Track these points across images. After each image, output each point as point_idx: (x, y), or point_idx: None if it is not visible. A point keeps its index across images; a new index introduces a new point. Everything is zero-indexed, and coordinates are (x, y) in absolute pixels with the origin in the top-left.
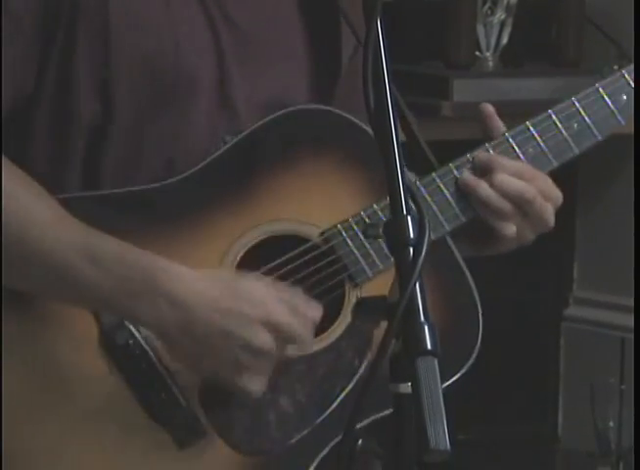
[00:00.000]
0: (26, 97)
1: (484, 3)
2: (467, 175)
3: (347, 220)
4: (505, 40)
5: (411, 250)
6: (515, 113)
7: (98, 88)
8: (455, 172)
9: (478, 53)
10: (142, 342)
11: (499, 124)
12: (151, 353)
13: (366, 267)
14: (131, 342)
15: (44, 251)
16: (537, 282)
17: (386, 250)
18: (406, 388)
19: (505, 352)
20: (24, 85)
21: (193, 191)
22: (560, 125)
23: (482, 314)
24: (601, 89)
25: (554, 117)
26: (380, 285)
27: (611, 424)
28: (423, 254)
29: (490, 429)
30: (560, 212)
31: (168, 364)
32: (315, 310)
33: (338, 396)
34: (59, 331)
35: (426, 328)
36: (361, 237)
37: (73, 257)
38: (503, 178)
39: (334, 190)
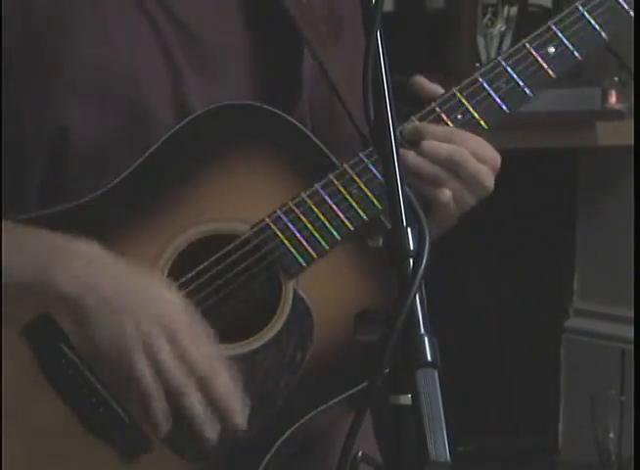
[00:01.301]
0: None
1: (485, 14)
2: None
3: (275, 212)
4: (505, 48)
5: (411, 261)
6: (514, 124)
7: (51, 107)
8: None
9: (478, 64)
10: (75, 360)
11: (435, 89)
12: (85, 371)
13: (299, 257)
14: (64, 361)
15: None
16: (537, 293)
17: (317, 237)
18: (406, 399)
19: (505, 363)
20: None
21: (119, 200)
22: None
23: (483, 326)
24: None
25: (480, 79)
26: (318, 275)
27: (611, 435)
28: (423, 265)
29: (491, 441)
30: (560, 224)
31: (105, 379)
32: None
33: (282, 392)
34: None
35: (426, 340)
36: (291, 227)
37: (5, 247)
38: (431, 144)
39: (262, 184)
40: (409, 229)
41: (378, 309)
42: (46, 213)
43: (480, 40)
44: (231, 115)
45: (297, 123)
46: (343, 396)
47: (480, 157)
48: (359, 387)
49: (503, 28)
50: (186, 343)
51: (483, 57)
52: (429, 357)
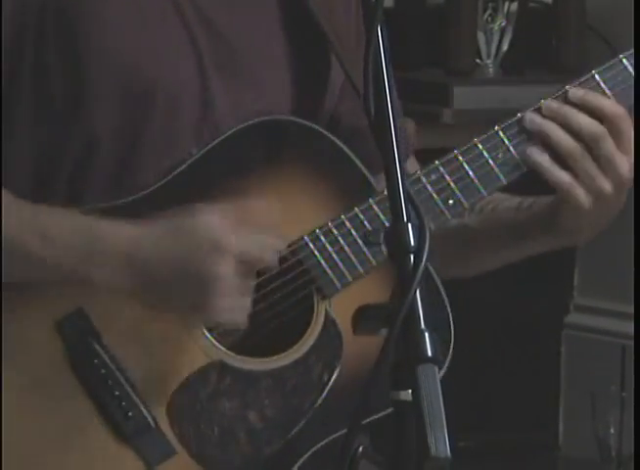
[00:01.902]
0: None
1: (485, 10)
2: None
3: (314, 232)
4: (505, 47)
5: (412, 257)
6: None
7: (78, 109)
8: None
9: (478, 60)
10: (107, 361)
11: None
12: (116, 372)
13: (335, 279)
14: (96, 361)
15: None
16: (538, 289)
17: (354, 261)
18: (407, 395)
19: (506, 359)
20: None
21: (156, 205)
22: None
23: (483, 322)
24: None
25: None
26: (351, 299)
27: (612, 431)
28: (424, 261)
29: (491, 436)
30: None
31: (136, 383)
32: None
33: (307, 410)
34: (30, 352)
35: (426, 335)
36: (329, 248)
37: (27, 236)
38: (574, 112)
39: (301, 201)
40: (410, 225)
41: (378, 305)
42: (102, 207)
43: (481, 36)
44: (271, 129)
45: (339, 143)
46: (376, 416)
47: (620, 142)
48: (382, 414)
49: (503, 24)
50: (241, 248)
51: (484, 53)
52: (429, 353)
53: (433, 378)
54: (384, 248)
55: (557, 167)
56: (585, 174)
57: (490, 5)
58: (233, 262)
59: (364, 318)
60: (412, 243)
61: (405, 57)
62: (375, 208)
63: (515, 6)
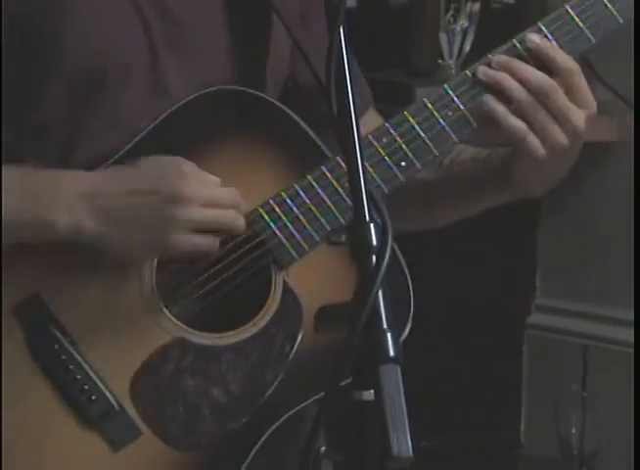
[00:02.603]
0: None
1: (447, 11)
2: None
3: (268, 202)
4: (468, 48)
5: (374, 257)
6: None
7: (36, 83)
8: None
9: (440, 61)
10: (67, 345)
11: None
12: (77, 356)
13: (291, 249)
14: (56, 346)
15: None
16: (500, 290)
17: (309, 230)
18: (369, 395)
19: (468, 358)
20: None
21: None
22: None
23: (447, 323)
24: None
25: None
26: (308, 268)
27: (573, 430)
28: (385, 261)
29: (453, 435)
30: (522, 224)
31: (97, 366)
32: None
33: (271, 382)
34: None
35: (388, 335)
36: (284, 218)
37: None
38: (526, 67)
39: (255, 172)
40: (372, 225)
41: (340, 305)
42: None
43: (443, 36)
44: (225, 100)
45: (287, 110)
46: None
47: (573, 96)
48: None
49: (466, 25)
50: (199, 193)
51: (446, 53)
52: (391, 353)
53: (395, 378)
54: (347, 248)
55: (512, 116)
56: (539, 125)
57: (453, 6)
58: (196, 205)
59: (326, 318)
60: (374, 243)
61: (368, 57)
62: (328, 175)
63: (477, 6)
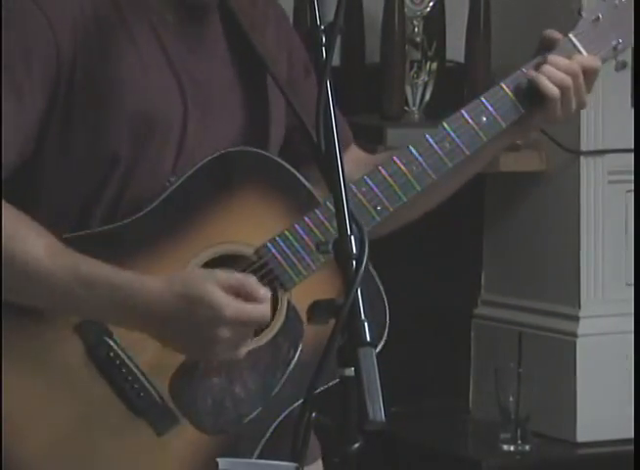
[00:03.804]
0: (26, 162)
1: (411, 68)
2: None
3: (274, 238)
4: (427, 97)
5: (354, 262)
6: None
7: (95, 143)
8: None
9: (406, 107)
10: (120, 353)
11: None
12: (127, 361)
13: (293, 275)
14: (112, 354)
15: (41, 281)
16: (452, 287)
17: (307, 260)
18: (350, 372)
19: (427, 343)
20: (25, 151)
21: (151, 225)
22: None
23: (410, 314)
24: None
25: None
26: (307, 288)
27: (510, 399)
28: (363, 265)
29: (417, 403)
30: (470, 232)
31: (144, 369)
32: (263, 292)
33: (279, 380)
34: (51, 348)
35: (366, 325)
36: (287, 251)
37: (68, 283)
38: (563, 61)
39: (262, 215)
40: (352, 237)
41: (328, 301)
42: (84, 234)
43: (408, 89)
44: (234, 159)
45: (287, 165)
46: (327, 386)
47: (586, 82)
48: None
49: (426, 80)
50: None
51: (410, 102)
52: (368, 338)
53: (370, 358)
54: (332, 255)
55: (552, 85)
56: (568, 97)
57: (415, 64)
58: (230, 326)
59: (316, 311)
60: (354, 251)
61: (348, 104)
62: (320, 217)
63: (435, 65)
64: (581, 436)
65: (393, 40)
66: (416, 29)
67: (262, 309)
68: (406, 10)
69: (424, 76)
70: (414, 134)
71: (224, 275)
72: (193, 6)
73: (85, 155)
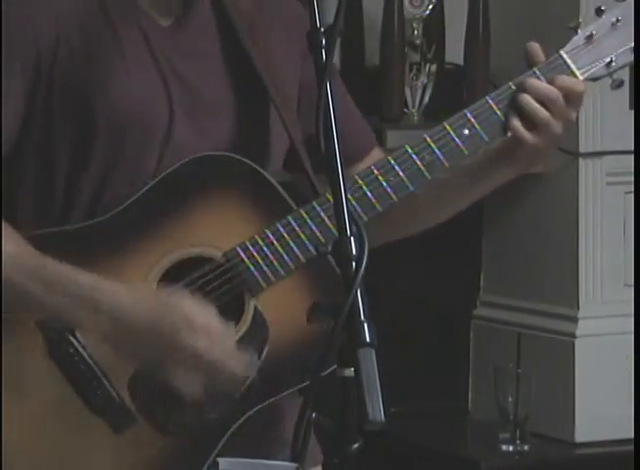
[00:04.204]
0: (10, 149)
1: (411, 70)
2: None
3: (244, 243)
4: (427, 100)
5: (353, 263)
6: None
7: (75, 142)
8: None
9: (405, 110)
10: (80, 350)
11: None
12: (88, 359)
13: (261, 280)
14: (72, 350)
15: (7, 279)
16: (452, 288)
17: (276, 265)
18: (350, 372)
19: (427, 344)
20: (10, 137)
21: (120, 225)
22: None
23: (411, 315)
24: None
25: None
26: (274, 293)
27: (510, 399)
28: (363, 267)
29: (416, 403)
30: (470, 235)
31: (103, 367)
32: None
33: (243, 383)
34: (13, 343)
35: (365, 325)
36: (256, 255)
37: (30, 283)
38: (537, 82)
39: (235, 220)
40: (352, 239)
41: (327, 302)
42: (50, 232)
43: (407, 91)
44: (211, 163)
45: (263, 172)
46: (293, 389)
47: (568, 98)
48: (305, 383)
49: (425, 82)
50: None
51: (410, 104)
52: (368, 339)
53: (370, 359)
54: (331, 257)
55: (542, 110)
56: (547, 128)
57: (415, 66)
58: (201, 333)
59: (316, 311)
60: (354, 253)
61: None
62: (292, 223)
63: (434, 67)
64: (580, 436)
65: (393, 42)
66: (415, 32)
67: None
68: (405, 12)
69: (423, 78)
70: (414, 136)
71: (192, 304)
72: (186, 11)
73: (63, 155)
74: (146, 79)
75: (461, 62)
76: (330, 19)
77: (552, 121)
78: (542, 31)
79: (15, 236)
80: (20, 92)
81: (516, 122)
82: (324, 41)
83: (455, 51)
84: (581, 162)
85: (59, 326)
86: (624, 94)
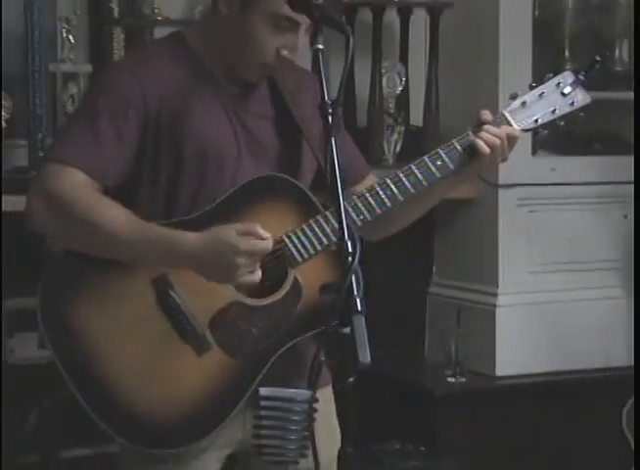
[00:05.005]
0: (127, 179)
1: (387, 130)
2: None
3: (288, 232)
4: (398, 149)
5: (349, 257)
6: None
7: (173, 166)
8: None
9: (384, 156)
10: (179, 301)
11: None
12: (182, 307)
13: (298, 257)
14: (171, 300)
15: (121, 238)
16: (414, 274)
17: (309, 247)
18: (347, 330)
19: (397, 312)
20: (126, 172)
21: (210, 219)
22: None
23: (388, 292)
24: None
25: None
26: (308, 267)
27: (452, 348)
28: (356, 259)
29: (390, 350)
30: (424, 235)
31: (191, 311)
32: (264, 232)
33: (284, 326)
34: (132, 295)
35: (357, 300)
36: (295, 241)
37: (136, 240)
38: (494, 130)
39: (281, 216)
40: (349, 242)
41: (334, 282)
42: (173, 221)
43: (385, 143)
44: (266, 180)
45: (300, 185)
46: (314, 332)
47: (510, 144)
48: (320, 329)
49: (396, 138)
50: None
51: (386, 151)
52: (359, 309)
53: (361, 322)
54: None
55: (487, 146)
56: (495, 154)
57: (390, 127)
58: (245, 255)
59: (325, 288)
60: (350, 249)
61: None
62: (320, 220)
63: (402, 128)
64: (499, 371)
65: (375, 111)
66: (390, 104)
67: (265, 244)
68: (384, 91)
69: (395, 136)
70: (389, 173)
71: (237, 224)
72: (249, 82)
73: (167, 174)
74: (220, 126)
75: (420, 124)
76: (333, 93)
77: (498, 153)
78: (479, 102)
79: (122, 211)
80: (133, 134)
81: (480, 142)
82: (330, 109)
83: (416, 117)
84: (500, 190)
85: (164, 283)
86: (528, 143)
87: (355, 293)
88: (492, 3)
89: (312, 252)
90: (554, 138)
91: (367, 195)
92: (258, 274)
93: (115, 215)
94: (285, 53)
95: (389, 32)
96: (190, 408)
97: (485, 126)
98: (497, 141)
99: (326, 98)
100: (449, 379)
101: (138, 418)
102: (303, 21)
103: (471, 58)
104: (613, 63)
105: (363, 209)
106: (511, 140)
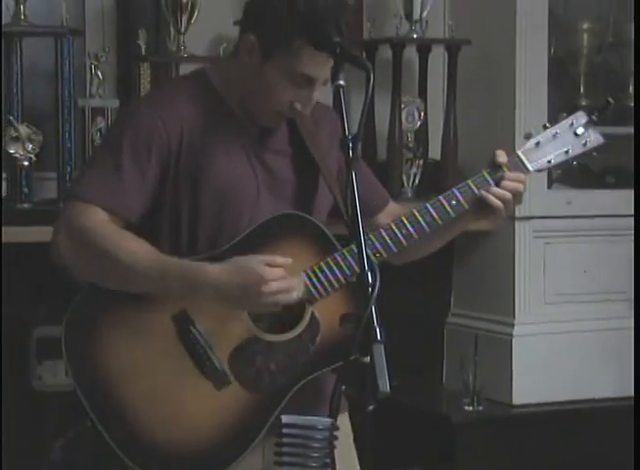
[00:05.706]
0: (148, 213)
1: (406, 163)
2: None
3: (306, 270)
4: (417, 183)
5: (370, 288)
6: None
7: (193, 204)
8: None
9: (402, 188)
10: (199, 337)
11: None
12: (203, 343)
13: (316, 294)
14: (192, 336)
15: (139, 272)
16: (433, 304)
17: (326, 285)
18: (367, 359)
19: (417, 341)
20: (147, 207)
21: (231, 253)
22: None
23: (407, 322)
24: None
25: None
26: (326, 303)
27: (470, 377)
28: (376, 291)
29: (409, 379)
30: (443, 265)
31: (212, 347)
32: (285, 260)
33: (301, 362)
34: (154, 329)
35: (377, 329)
36: (313, 279)
37: (160, 270)
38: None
39: (299, 254)
40: (369, 272)
41: (354, 313)
42: (202, 257)
43: (404, 177)
44: (285, 218)
45: (319, 223)
46: (333, 366)
47: (515, 196)
48: (340, 363)
49: (415, 171)
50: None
51: (406, 185)
52: (379, 338)
53: (380, 351)
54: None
55: (497, 200)
56: (508, 206)
57: (409, 161)
58: (269, 284)
59: (346, 320)
60: (370, 280)
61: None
62: (338, 258)
63: (421, 162)
64: (516, 400)
65: (395, 145)
66: (409, 138)
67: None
68: (403, 126)
69: (414, 169)
70: (409, 206)
71: (261, 255)
72: (267, 125)
73: (187, 213)
74: (240, 165)
75: (439, 158)
76: (354, 128)
77: (502, 209)
78: (493, 142)
79: (142, 243)
80: (156, 172)
81: (492, 198)
82: (351, 144)
83: (435, 151)
84: (516, 222)
85: (185, 319)
86: (544, 177)
87: (375, 322)
88: (509, 41)
89: (330, 289)
90: (569, 172)
91: (383, 233)
92: (282, 301)
93: (137, 248)
94: (298, 106)
95: (409, 69)
96: (209, 442)
97: (503, 183)
98: (509, 195)
99: (347, 133)
100: (467, 407)
101: (158, 451)
102: (320, 76)
103: (488, 94)
104: (626, 98)
105: (379, 246)
106: (517, 196)
